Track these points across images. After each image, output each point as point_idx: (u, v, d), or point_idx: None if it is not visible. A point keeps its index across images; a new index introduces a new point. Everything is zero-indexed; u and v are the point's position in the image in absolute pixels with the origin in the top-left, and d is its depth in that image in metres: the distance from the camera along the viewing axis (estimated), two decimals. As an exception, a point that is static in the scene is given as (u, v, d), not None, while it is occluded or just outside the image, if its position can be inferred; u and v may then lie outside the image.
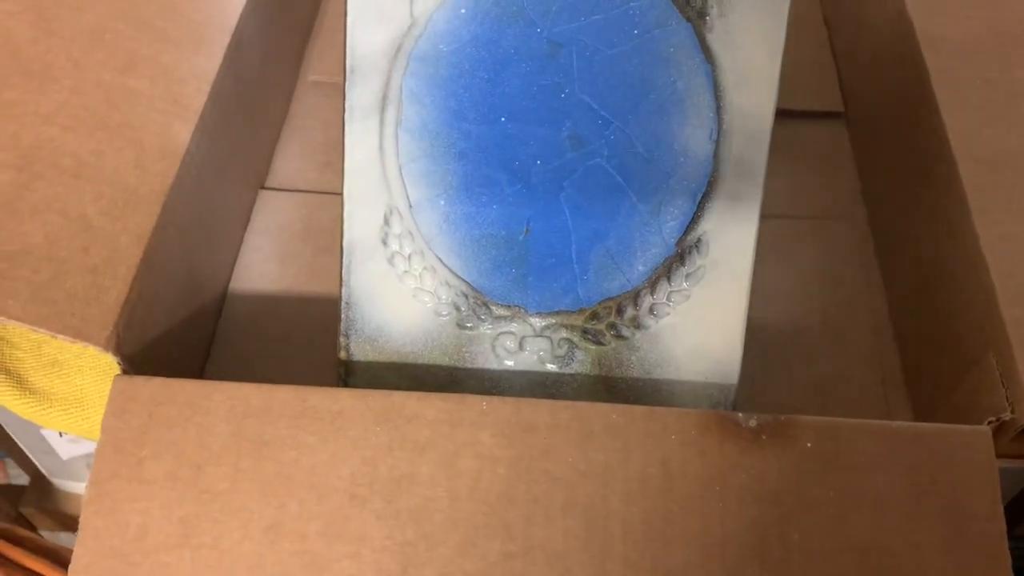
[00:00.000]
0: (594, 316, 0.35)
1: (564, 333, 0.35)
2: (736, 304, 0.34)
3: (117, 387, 0.32)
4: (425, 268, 0.35)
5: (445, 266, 0.35)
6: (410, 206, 0.34)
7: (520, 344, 0.35)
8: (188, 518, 0.30)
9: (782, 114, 0.34)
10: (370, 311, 0.35)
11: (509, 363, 0.35)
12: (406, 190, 0.34)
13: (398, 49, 0.34)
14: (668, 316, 0.34)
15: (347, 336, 0.35)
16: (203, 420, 0.31)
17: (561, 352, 0.35)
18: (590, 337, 0.35)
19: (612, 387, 0.35)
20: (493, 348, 0.35)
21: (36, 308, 0.32)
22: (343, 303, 0.35)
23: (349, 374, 0.35)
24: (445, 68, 0.34)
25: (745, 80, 0.33)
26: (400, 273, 0.35)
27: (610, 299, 0.34)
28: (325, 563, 0.30)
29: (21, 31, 0.38)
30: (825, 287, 0.43)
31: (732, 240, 0.34)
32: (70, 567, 0.30)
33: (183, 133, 0.38)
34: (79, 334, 0.32)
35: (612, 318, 0.34)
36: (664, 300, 0.34)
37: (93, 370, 0.36)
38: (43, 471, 0.51)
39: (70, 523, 0.54)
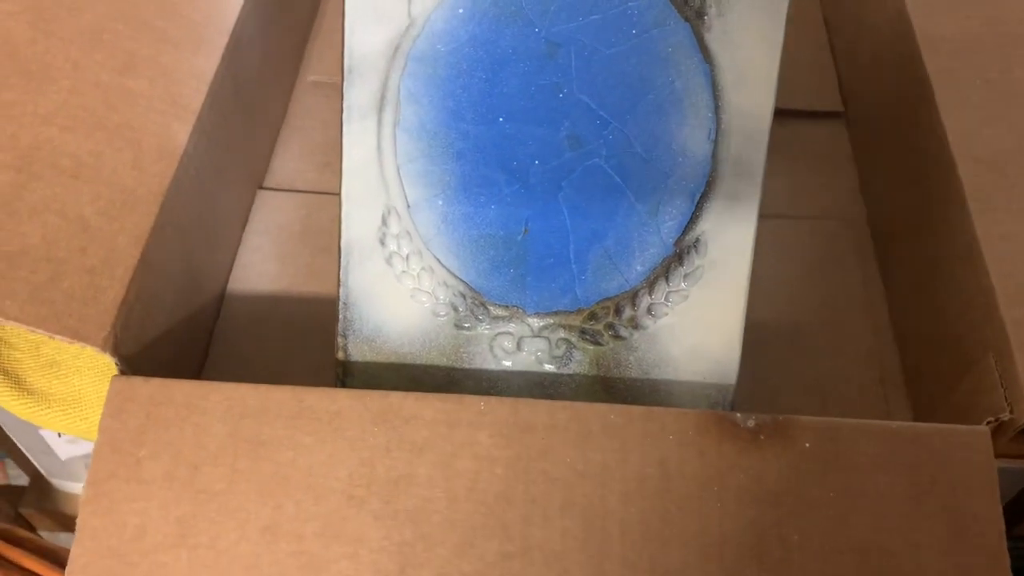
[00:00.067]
0: (592, 316, 0.35)
1: (562, 333, 0.35)
2: (734, 304, 0.34)
3: (115, 388, 0.32)
4: (423, 268, 0.35)
5: (443, 266, 0.35)
6: (408, 206, 0.34)
7: (518, 344, 0.35)
8: (185, 518, 0.30)
9: (781, 114, 0.34)
10: (368, 311, 0.35)
11: (507, 363, 0.35)
12: (404, 190, 0.34)
13: (396, 49, 0.34)
14: (666, 316, 0.34)
15: (345, 336, 0.35)
16: (200, 420, 0.31)
17: (559, 352, 0.35)
18: (588, 337, 0.35)
19: (610, 387, 0.35)
20: (491, 348, 0.35)
21: (34, 308, 0.32)
22: (341, 303, 0.35)
23: (347, 374, 0.35)
24: (443, 68, 0.34)
25: (743, 80, 0.33)
26: (398, 273, 0.35)
27: (608, 299, 0.34)
28: (322, 564, 0.30)
29: (20, 31, 0.38)
30: (824, 287, 0.42)
31: (730, 240, 0.34)
32: (67, 567, 0.30)
33: (181, 133, 0.38)
34: (77, 335, 0.32)
35: (610, 318, 0.34)
36: (662, 300, 0.34)
37: (91, 370, 0.36)
38: (42, 471, 0.51)
39: (69, 523, 0.54)
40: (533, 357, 0.35)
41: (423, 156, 0.34)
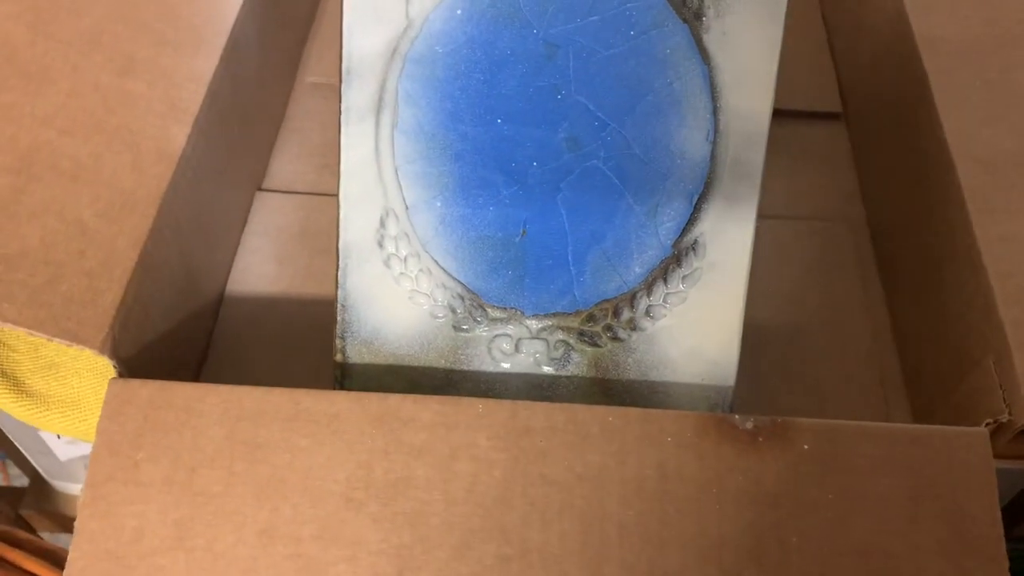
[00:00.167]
0: (590, 318, 0.34)
1: (560, 335, 0.35)
2: (733, 306, 0.34)
3: (112, 390, 0.32)
4: (421, 270, 0.35)
5: (441, 268, 0.35)
6: (406, 208, 0.34)
7: (516, 346, 0.35)
8: (183, 521, 0.30)
9: (780, 115, 0.34)
10: (366, 313, 0.35)
11: (505, 365, 0.35)
12: (402, 192, 0.34)
13: (394, 51, 0.34)
14: (664, 318, 0.34)
15: (343, 338, 0.35)
16: (198, 423, 0.31)
17: (557, 354, 0.35)
18: (586, 339, 0.35)
19: (608, 389, 0.35)
20: (489, 350, 0.35)
21: (32, 311, 0.32)
22: (339, 305, 0.35)
23: (345, 376, 0.35)
24: (441, 70, 0.34)
25: (742, 81, 0.33)
26: (396, 275, 0.35)
27: (606, 301, 0.34)
28: (320, 566, 0.30)
29: (19, 33, 0.38)
30: (823, 288, 0.42)
31: (729, 241, 0.34)
32: (65, 570, 0.30)
33: (180, 135, 0.38)
34: (75, 337, 0.32)
35: (608, 320, 0.34)
36: (660, 302, 0.34)
37: (90, 373, 0.36)
38: (41, 472, 0.51)
39: (69, 524, 0.54)
40: (531, 359, 0.35)
41: (421, 158, 0.34)
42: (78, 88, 0.37)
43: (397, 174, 0.34)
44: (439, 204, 0.34)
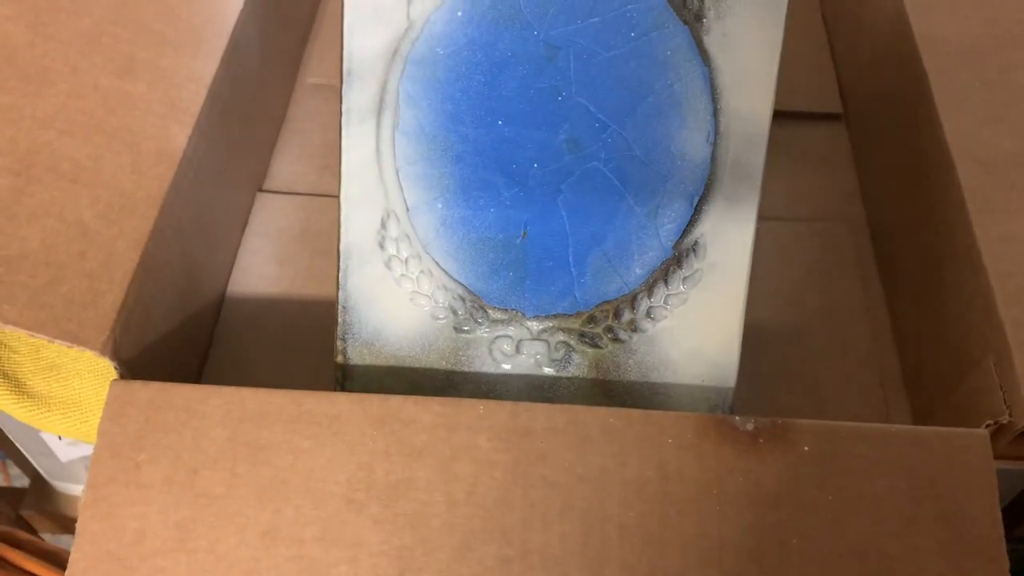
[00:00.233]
0: (591, 319, 0.35)
1: (561, 336, 0.35)
2: (733, 307, 0.34)
3: (114, 392, 0.32)
4: (422, 271, 0.35)
5: (442, 269, 0.35)
6: (407, 209, 0.34)
7: (517, 347, 0.35)
8: (184, 522, 0.30)
9: (781, 115, 0.34)
10: (367, 315, 0.35)
11: (506, 367, 0.35)
12: (403, 193, 0.34)
13: (395, 52, 0.34)
14: (665, 319, 0.34)
15: (344, 340, 0.35)
16: (199, 424, 0.31)
17: (558, 355, 0.35)
18: (587, 340, 0.35)
19: (609, 391, 0.35)
20: (490, 352, 0.35)
21: (33, 313, 0.32)
22: (340, 307, 0.35)
23: (346, 378, 0.35)
24: (442, 71, 0.34)
25: (742, 82, 0.33)
26: (397, 276, 0.35)
27: (607, 302, 0.34)
28: (322, 568, 0.30)
29: (19, 35, 0.38)
30: (823, 289, 0.42)
31: (729, 243, 0.34)
32: (67, 571, 0.30)
33: (180, 137, 0.38)
34: (76, 339, 0.32)
35: (609, 321, 0.34)
36: (661, 303, 0.34)
37: (91, 374, 0.36)
38: (42, 473, 0.51)
39: (70, 525, 0.54)
40: (532, 360, 0.35)
41: (422, 159, 0.34)
42: (78, 89, 0.37)
43: (398, 175, 0.34)
44: (440, 206, 0.34)
